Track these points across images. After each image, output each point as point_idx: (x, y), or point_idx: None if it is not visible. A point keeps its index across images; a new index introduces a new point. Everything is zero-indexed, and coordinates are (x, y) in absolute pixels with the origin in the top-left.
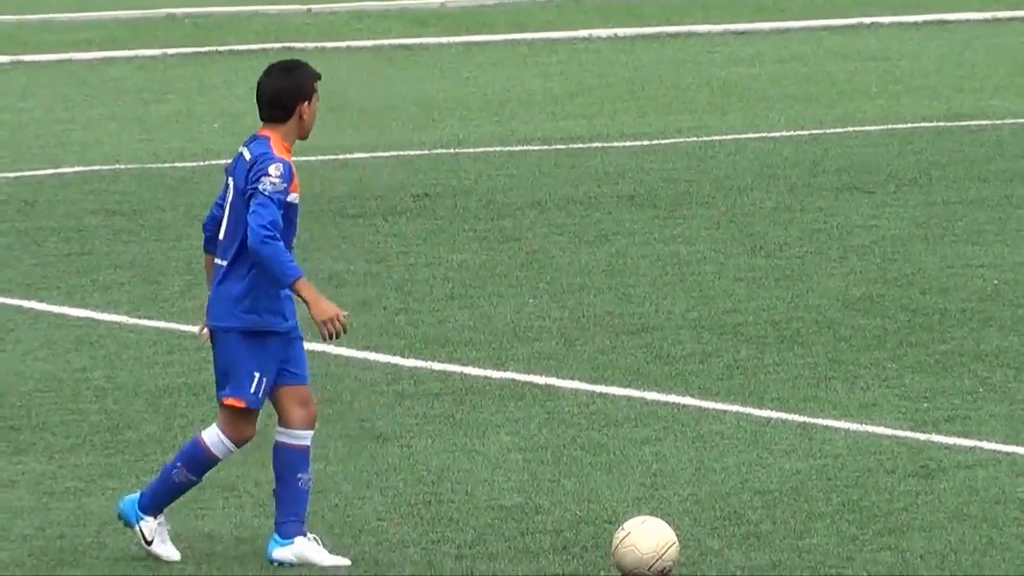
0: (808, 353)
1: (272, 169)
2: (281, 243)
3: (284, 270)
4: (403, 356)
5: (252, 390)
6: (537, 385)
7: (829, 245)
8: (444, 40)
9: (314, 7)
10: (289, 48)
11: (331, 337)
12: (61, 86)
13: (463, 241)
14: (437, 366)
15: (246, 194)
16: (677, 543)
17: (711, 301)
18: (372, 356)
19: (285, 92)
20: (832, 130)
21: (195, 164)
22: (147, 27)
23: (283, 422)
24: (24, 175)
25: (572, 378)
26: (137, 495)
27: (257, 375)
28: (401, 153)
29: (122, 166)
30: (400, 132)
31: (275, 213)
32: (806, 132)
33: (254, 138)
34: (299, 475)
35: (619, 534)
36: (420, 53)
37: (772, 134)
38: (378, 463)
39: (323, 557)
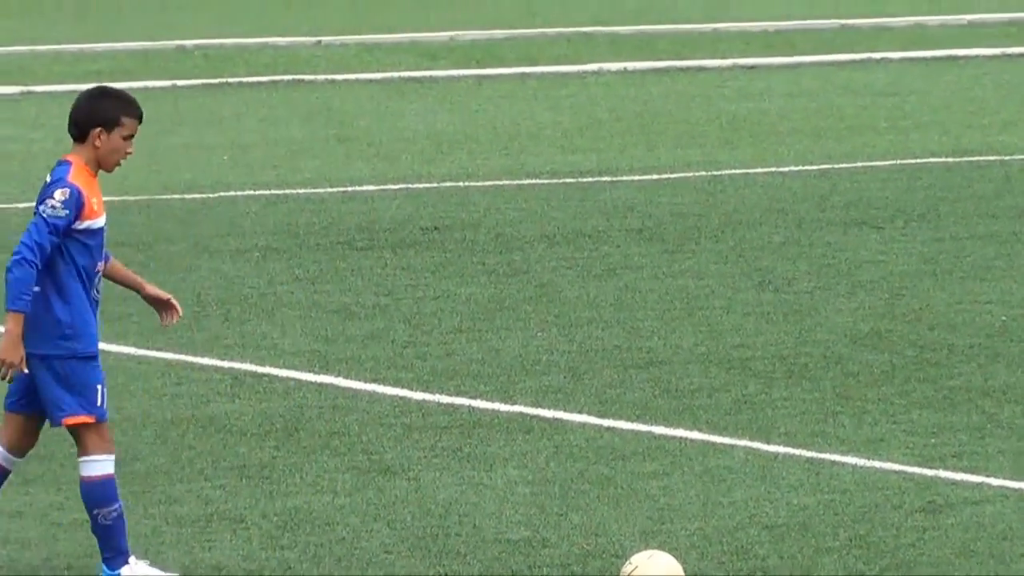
0: (816, 388)
1: (58, 194)
2: (33, 269)
3: (15, 295)
4: (411, 389)
5: (99, 403)
6: (545, 419)
7: (837, 280)
8: (454, 73)
9: (324, 39)
10: (299, 80)
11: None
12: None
13: (472, 274)
14: (445, 399)
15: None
16: None
17: (719, 336)
18: (380, 389)
19: (82, 114)
20: (841, 165)
21: (204, 196)
22: (157, 58)
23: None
24: (33, 206)
25: (580, 412)
26: (103, 568)
27: (99, 387)
28: (410, 186)
29: (131, 197)
30: (409, 164)
31: (46, 238)
32: (815, 167)
33: (60, 162)
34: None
35: (626, 568)
36: (430, 86)
37: (781, 169)
38: (386, 496)
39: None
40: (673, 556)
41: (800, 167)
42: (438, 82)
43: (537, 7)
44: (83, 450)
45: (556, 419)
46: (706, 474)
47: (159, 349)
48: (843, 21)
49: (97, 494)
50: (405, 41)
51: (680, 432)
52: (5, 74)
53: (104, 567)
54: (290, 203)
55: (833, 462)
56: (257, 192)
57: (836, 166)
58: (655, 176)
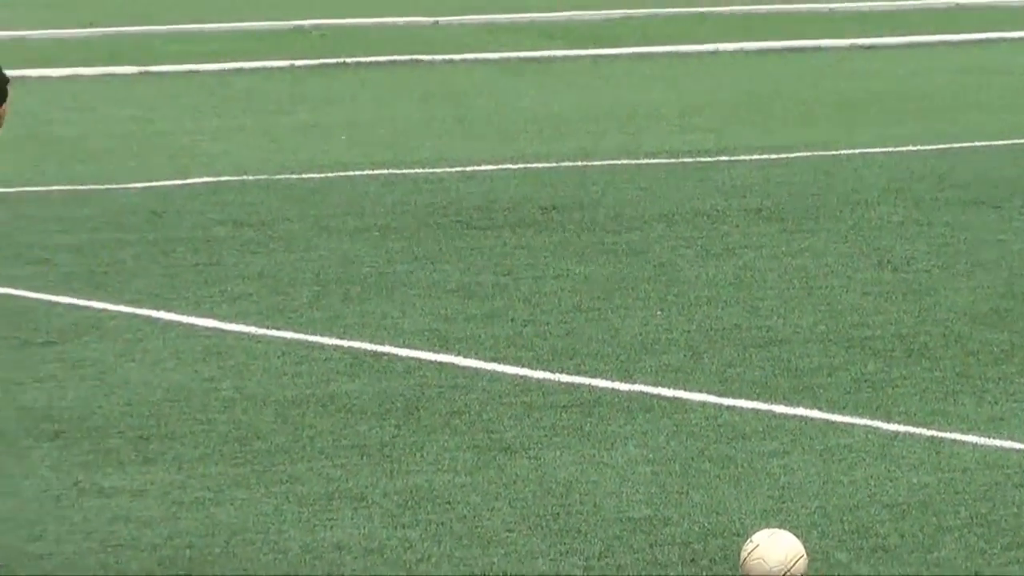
0: (936, 367)
1: None
2: None
3: None
4: (531, 368)
5: None
6: (665, 397)
7: (956, 259)
8: (572, 53)
9: (441, 19)
10: (417, 60)
11: None
12: (188, 97)
13: (590, 253)
14: (565, 378)
15: None
16: (805, 556)
17: (838, 315)
18: (500, 368)
19: None
20: (959, 144)
21: (323, 175)
22: (274, 38)
23: None
24: (152, 186)
25: (700, 390)
26: None
27: None
28: (529, 165)
29: (250, 177)
30: (528, 144)
31: None
32: (933, 146)
33: None
34: None
35: (747, 547)
36: (548, 66)
37: (899, 148)
38: (506, 474)
39: None
40: (794, 534)
41: (918, 147)
42: (556, 62)
43: None
44: None
45: (676, 398)
46: (826, 453)
47: (279, 328)
48: (959, 1)
49: None
50: (523, 21)
51: (800, 411)
52: (122, 54)
53: None
54: (408, 182)
55: (954, 441)
56: (375, 171)
57: (954, 145)
58: (773, 155)
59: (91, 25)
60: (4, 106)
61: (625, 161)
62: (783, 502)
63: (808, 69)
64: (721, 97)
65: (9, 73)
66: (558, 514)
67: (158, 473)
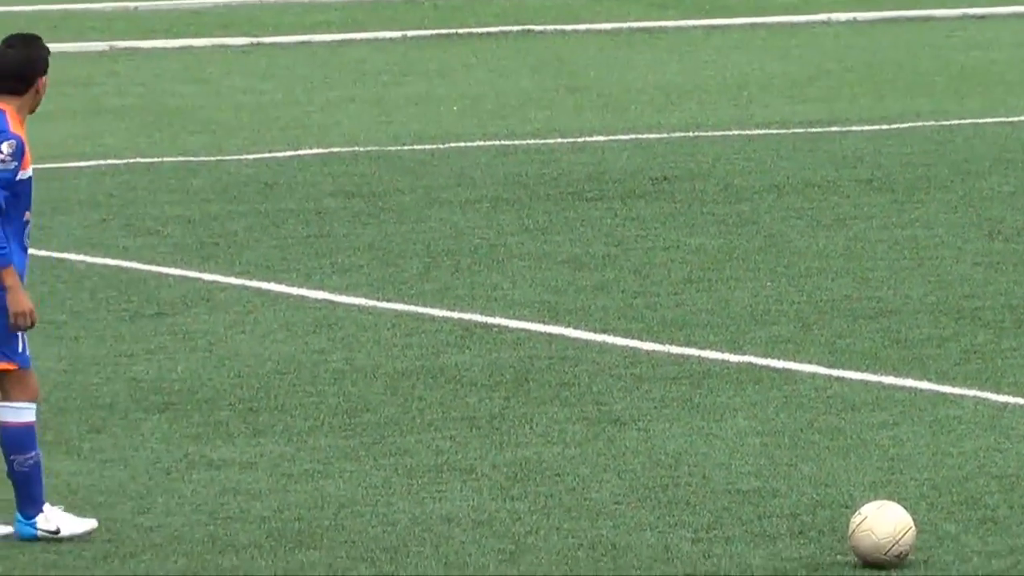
0: None
1: (5, 147)
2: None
3: None
4: (641, 339)
5: (21, 351)
6: (774, 369)
7: None
8: (684, 23)
9: None
10: (529, 30)
11: (19, 329)
12: (300, 68)
13: (701, 224)
14: (675, 349)
15: None
16: (914, 528)
17: (948, 285)
18: (610, 339)
19: (27, 65)
20: None
21: (434, 146)
22: (387, 9)
23: None
24: (263, 157)
25: (809, 362)
26: (17, 516)
27: (20, 336)
28: (640, 136)
29: (361, 148)
30: (639, 115)
31: (0, 195)
32: None
33: None
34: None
35: (856, 519)
36: (659, 36)
37: (1011, 119)
38: (615, 446)
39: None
40: (902, 506)
41: None
42: (668, 32)
43: None
44: (4, 396)
45: (785, 369)
46: (935, 424)
47: (389, 300)
48: None
49: (15, 441)
50: None
51: (909, 382)
52: (234, 25)
53: (18, 515)
54: (520, 154)
55: None
56: (487, 143)
57: None
58: (884, 126)
59: None
60: (44, 78)
61: (736, 132)
62: (892, 474)
63: (919, 39)
64: (832, 67)
65: (120, 44)
66: (667, 486)
67: (267, 445)
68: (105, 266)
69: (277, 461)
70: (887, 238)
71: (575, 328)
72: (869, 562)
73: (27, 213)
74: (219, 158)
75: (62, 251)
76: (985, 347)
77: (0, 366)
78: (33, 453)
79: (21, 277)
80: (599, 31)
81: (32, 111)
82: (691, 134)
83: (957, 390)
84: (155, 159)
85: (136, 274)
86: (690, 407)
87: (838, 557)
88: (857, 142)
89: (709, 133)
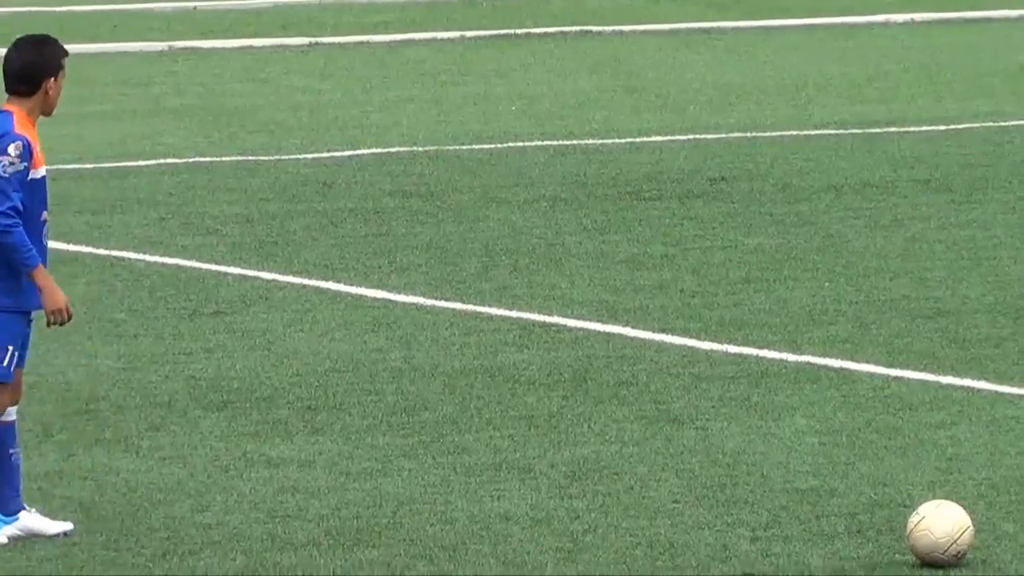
0: None
1: (11, 149)
2: (20, 229)
3: (23, 258)
4: (699, 339)
5: (5, 364)
6: (832, 368)
7: None
8: (742, 24)
9: None
10: (587, 31)
11: (58, 324)
12: (359, 68)
13: (759, 224)
14: (733, 349)
15: None
16: (972, 527)
17: (1007, 286)
18: (668, 338)
19: (34, 67)
20: None
21: (492, 146)
22: (445, 9)
23: None
24: (322, 156)
25: (867, 361)
26: None
27: (10, 348)
28: (698, 136)
29: (419, 148)
30: (697, 115)
31: (14, 198)
32: None
33: None
34: (11, 450)
35: (914, 518)
36: (718, 37)
37: None
38: (674, 445)
39: (48, 526)
40: (961, 506)
41: None
42: (726, 33)
43: None
44: None
45: (843, 369)
46: (993, 424)
47: (447, 299)
48: None
49: (10, 435)
50: None
51: (967, 382)
52: (294, 26)
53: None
54: (578, 153)
55: None
56: (545, 142)
57: None
58: (942, 127)
59: None
60: (53, 80)
61: (794, 132)
62: (950, 473)
63: (977, 40)
64: (890, 68)
65: (179, 44)
66: (725, 485)
67: (326, 443)
68: (164, 265)
69: (335, 459)
70: (945, 238)
71: (633, 327)
72: (927, 561)
73: (44, 213)
74: (278, 157)
75: (121, 250)
76: None
77: None
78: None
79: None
80: (657, 31)
81: (47, 113)
82: (749, 134)
83: (1015, 390)
84: (214, 158)
85: (195, 273)
86: (748, 406)
87: (896, 556)
88: (915, 143)
89: (767, 133)
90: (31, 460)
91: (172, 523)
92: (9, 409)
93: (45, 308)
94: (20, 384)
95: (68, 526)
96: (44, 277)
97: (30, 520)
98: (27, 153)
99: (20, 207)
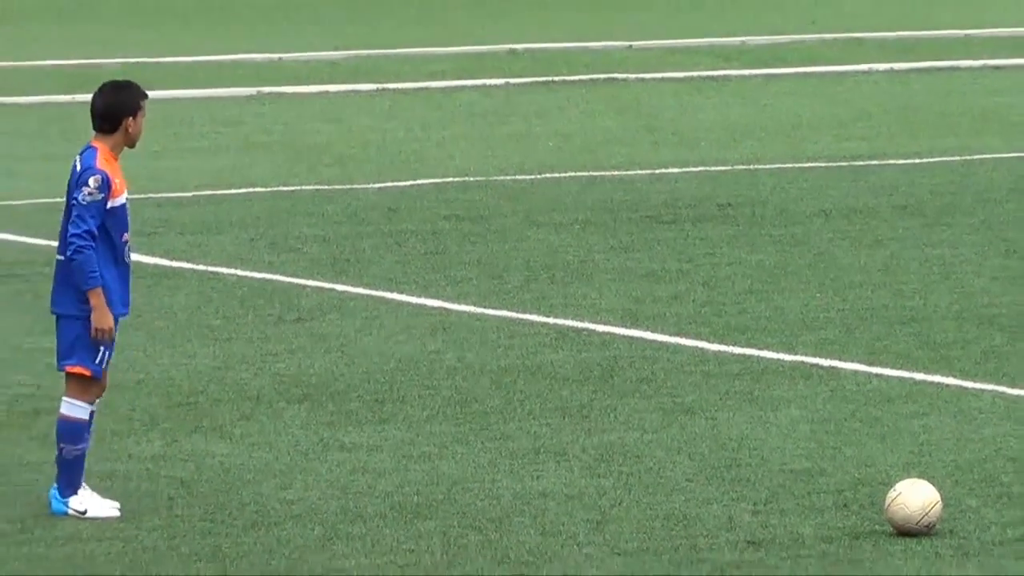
0: None
1: (91, 181)
2: (92, 251)
3: (86, 278)
4: (708, 341)
5: (97, 362)
6: (822, 367)
7: None
8: (745, 72)
9: (634, 43)
10: (613, 78)
11: (99, 343)
12: (419, 110)
13: (760, 244)
14: (737, 350)
15: (70, 201)
16: (941, 502)
17: (971, 296)
18: (682, 341)
19: (113, 108)
20: None
21: (532, 176)
22: (492, 60)
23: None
24: (387, 185)
25: (852, 361)
26: (53, 492)
27: (102, 349)
28: (708, 168)
29: (470, 178)
30: (707, 150)
31: (91, 223)
32: None
33: (86, 148)
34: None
35: (891, 494)
36: (725, 83)
37: None
38: (687, 432)
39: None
40: (931, 483)
41: None
42: (732, 80)
43: (817, 15)
44: (68, 392)
45: (832, 367)
46: (959, 414)
47: (495, 308)
48: None
49: (68, 432)
50: (704, 45)
51: (937, 378)
52: (363, 74)
53: (56, 493)
54: (605, 183)
55: None
56: (577, 174)
57: None
58: (916, 160)
59: (337, 48)
60: (132, 119)
61: (790, 165)
62: (922, 456)
63: (947, 86)
64: (872, 110)
65: (266, 90)
66: (730, 466)
67: (391, 431)
68: (253, 278)
69: (399, 444)
70: (918, 256)
71: (653, 332)
72: (902, 531)
73: (125, 235)
74: (349, 187)
75: (217, 266)
76: (1002, 348)
77: (77, 370)
78: (81, 445)
79: (126, 292)
80: (673, 79)
81: (131, 146)
82: (751, 167)
83: (978, 385)
84: (295, 187)
85: (279, 285)
86: (750, 399)
87: (876, 527)
88: (893, 174)
89: (767, 166)
90: (140, 445)
91: (260, 499)
92: (85, 408)
93: (93, 324)
94: (106, 380)
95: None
96: (99, 299)
97: (87, 501)
98: (105, 185)
99: (95, 232)
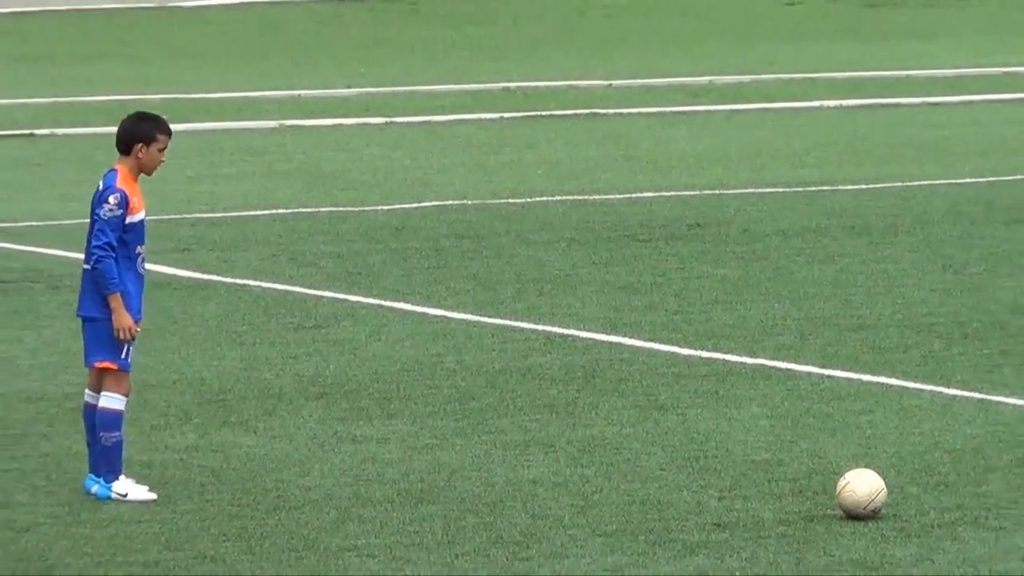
0: (985, 346)
1: (111, 199)
2: (112, 261)
3: (107, 284)
4: (679, 346)
5: (124, 356)
6: (780, 369)
7: (1002, 264)
8: (712, 108)
9: (614, 82)
10: (595, 113)
11: (122, 341)
12: (423, 140)
13: (725, 260)
14: (705, 354)
15: (92, 217)
16: (885, 489)
17: (912, 306)
18: (656, 346)
19: (128, 133)
20: (1006, 177)
21: (523, 200)
22: (488, 97)
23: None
24: (394, 207)
25: (807, 364)
26: (89, 481)
27: (126, 345)
28: (679, 193)
29: (468, 201)
30: (678, 177)
31: (111, 236)
32: (984, 179)
33: (110, 170)
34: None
35: (841, 482)
36: (694, 117)
37: (958, 180)
38: (660, 427)
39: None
40: (877, 472)
41: (974, 179)
42: (700, 115)
43: (775, 59)
44: (105, 387)
45: (788, 369)
46: (901, 411)
47: (490, 316)
48: (1006, 69)
49: (106, 421)
50: (675, 84)
51: (882, 379)
52: (374, 108)
53: (99, 479)
54: (588, 206)
55: (999, 402)
56: (564, 197)
57: (1001, 178)
58: (863, 185)
59: (349, 86)
60: (145, 147)
61: (752, 190)
62: (868, 448)
63: (890, 120)
64: (824, 141)
65: (287, 122)
66: (699, 457)
67: (397, 425)
68: (275, 290)
69: (404, 437)
70: (865, 270)
71: (630, 337)
72: (852, 516)
73: (140, 247)
74: (361, 208)
75: (243, 279)
76: (939, 353)
77: (105, 365)
78: (118, 433)
79: (139, 296)
80: (648, 113)
81: (146, 172)
82: (717, 191)
83: (918, 385)
84: (313, 209)
85: (299, 296)
86: (716, 398)
87: (828, 512)
88: (843, 198)
89: (731, 191)
90: (175, 437)
91: (281, 485)
92: (121, 399)
93: (114, 325)
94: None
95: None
96: (118, 302)
97: (127, 485)
98: (124, 203)
99: (115, 244)
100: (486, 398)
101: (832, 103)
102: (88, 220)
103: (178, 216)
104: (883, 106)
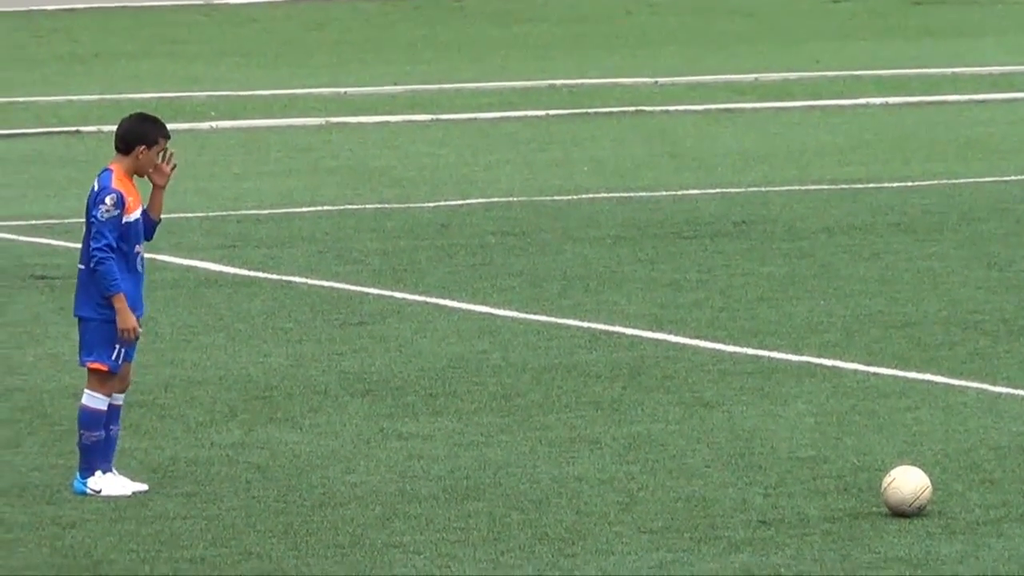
0: None
1: (107, 200)
2: (112, 262)
3: (108, 285)
4: (725, 343)
5: (113, 358)
6: (826, 366)
7: None
8: (758, 105)
9: (660, 80)
10: (641, 111)
11: (126, 342)
12: (468, 138)
13: (770, 257)
14: (750, 351)
15: (89, 218)
16: (931, 486)
17: (957, 304)
18: (702, 343)
19: (131, 134)
20: None
21: (570, 197)
22: (535, 94)
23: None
24: (440, 204)
25: (852, 361)
26: (77, 477)
27: (117, 347)
28: (725, 190)
29: (514, 198)
30: (724, 174)
31: (109, 237)
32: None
33: (104, 169)
34: (112, 427)
35: (887, 479)
36: (739, 115)
37: (1004, 178)
38: (705, 424)
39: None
40: (922, 470)
41: (1019, 176)
42: (745, 112)
43: (821, 56)
44: (89, 386)
45: (834, 366)
46: (947, 408)
47: (535, 313)
48: None
49: (88, 420)
50: (721, 81)
51: (928, 376)
52: (419, 105)
53: (78, 476)
54: (634, 203)
55: None
56: (609, 195)
57: None
58: (909, 183)
59: (396, 84)
60: (145, 149)
61: (797, 187)
62: (914, 445)
63: (935, 117)
64: (870, 138)
65: (334, 120)
66: (744, 454)
67: (443, 422)
68: (321, 287)
69: (450, 434)
70: (911, 268)
71: (675, 334)
72: (896, 512)
73: (138, 246)
74: (407, 205)
75: (290, 275)
76: (985, 350)
77: (95, 365)
78: (98, 432)
79: (139, 296)
80: (694, 111)
81: (139, 175)
82: (763, 189)
83: (963, 382)
84: (359, 206)
85: (345, 293)
86: (762, 395)
87: (874, 509)
88: (888, 195)
89: (777, 188)
90: (222, 434)
91: (327, 482)
92: (116, 395)
93: (118, 326)
94: (128, 375)
95: (143, 487)
96: (121, 303)
97: (102, 481)
98: (119, 203)
99: (114, 245)
100: (531, 395)
101: (878, 101)
102: (85, 221)
103: (224, 213)
104: (928, 103)
